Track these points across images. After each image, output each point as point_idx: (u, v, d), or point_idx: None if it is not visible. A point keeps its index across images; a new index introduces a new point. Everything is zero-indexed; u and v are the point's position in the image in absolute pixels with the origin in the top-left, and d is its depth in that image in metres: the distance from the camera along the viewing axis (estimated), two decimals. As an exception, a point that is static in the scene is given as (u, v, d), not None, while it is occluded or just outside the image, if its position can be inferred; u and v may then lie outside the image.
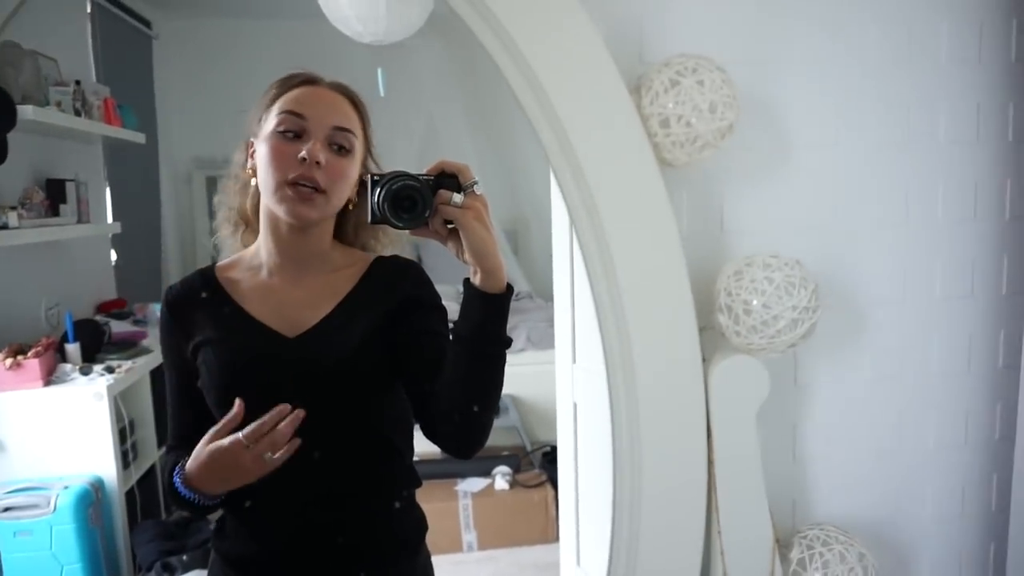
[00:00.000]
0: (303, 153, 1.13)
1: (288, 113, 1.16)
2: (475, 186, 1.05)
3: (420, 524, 1.34)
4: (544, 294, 4.82)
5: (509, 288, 1.07)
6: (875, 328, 1.06)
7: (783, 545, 0.78)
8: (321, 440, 1.17)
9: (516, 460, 3.67)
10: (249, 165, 1.23)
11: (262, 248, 1.25)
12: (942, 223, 1.14)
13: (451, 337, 1.12)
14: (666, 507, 0.73)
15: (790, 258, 0.83)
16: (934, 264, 1.13)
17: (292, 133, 1.15)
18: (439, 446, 1.19)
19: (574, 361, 2.00)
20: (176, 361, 1.25)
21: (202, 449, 1.09)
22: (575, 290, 1.97)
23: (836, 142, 1.08)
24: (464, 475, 3.55)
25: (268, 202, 1.18)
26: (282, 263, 1.23)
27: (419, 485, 1.33)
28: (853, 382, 1.01)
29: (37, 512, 2.66)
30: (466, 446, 1.17)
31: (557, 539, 3.50)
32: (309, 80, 1.23)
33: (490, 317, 1.07)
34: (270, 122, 1.18)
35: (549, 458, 3.61)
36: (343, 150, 1.18)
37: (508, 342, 1.11)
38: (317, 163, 1.13)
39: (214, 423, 1.13)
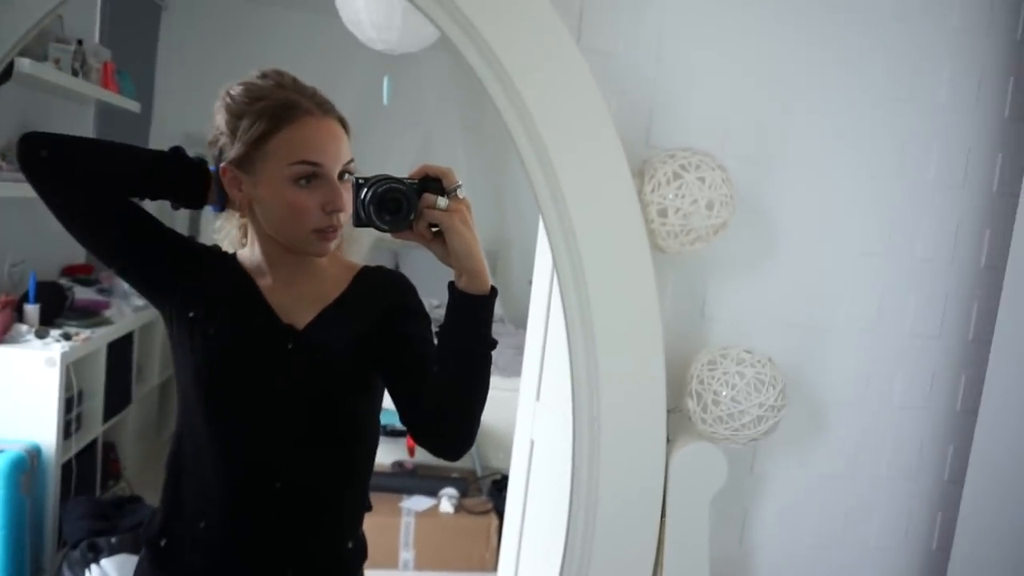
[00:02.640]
0: (331, 206, 1.16)
1: (303, 164, 1.16)
2: (459, 190, 1.06)
3: (362, 554, 1.33)
4: (516, 320, 4.82)
5: (493, 290, 1.09)
6: (834, 426, 1.10)
7: None
8: (288, 455, 1.20)
9: (465, 484, 3.64)
10: (236, 197, 1.21)
11: (258, 253, 1.28)
12: (908, 335, 1.20)
13: (437, 340, 1.14)
14: (614, 574, 0.73)
15: (763, 355, 0.85)
16: (896, 373, 1.18)
17: (306, 179, 1.16)
18: (427, 448, 1.19)
19: (537, 398, 2.00)
20: (158, 243, 1.26)
21: None
22: (548, 329, 1.97)
23: (820, 244, 1.14)
24: (411, 492, 3.51)
25: (284, 242, 1.21)
26: (275, 269, 1.27)
27: (369, 510, 1.33)
28: (806, 476, 1.05)
29: (-33, 473, 2.58)
30: (454, 447, 1.18)
31: (495, 569, 3.48)
32: (306, 111, 1.17)
33: (475, 319, 1.09)
34: (276, 167, 1.16)
35: (498, 486, 3.59)
36: (348, 175, 1.20)
37: (493, 343, 1.12)
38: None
39: None
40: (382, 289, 1.31)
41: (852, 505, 1.09)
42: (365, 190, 1.05)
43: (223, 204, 1.25)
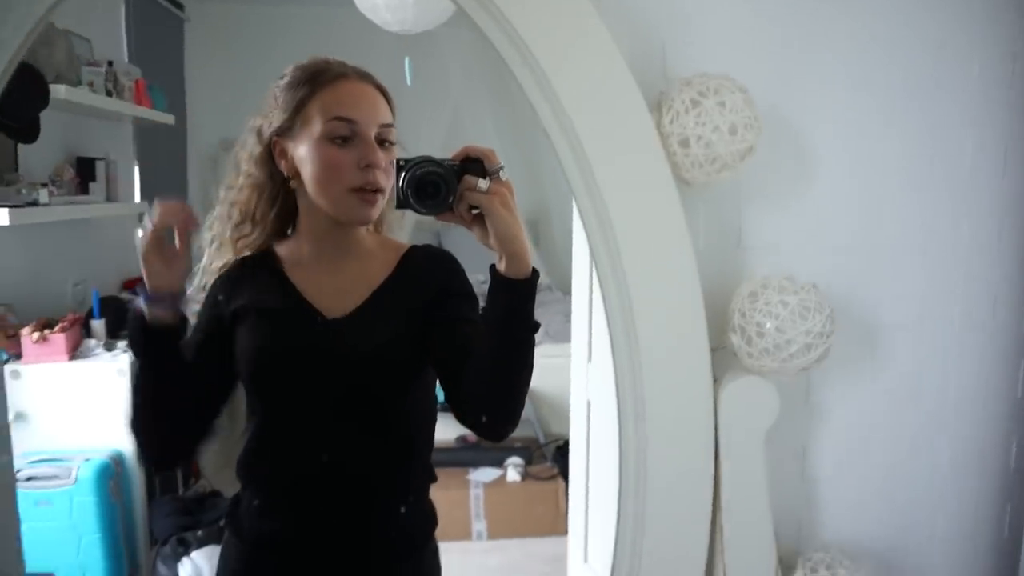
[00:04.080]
0: (365, 160, 1.17)
1: (338, 120, 1.18)
2: (501, 171, 1.05)
3: (429, 519, 1.36)
4: (564, 287, 4.81)
5: (535, 272, 1.07)
6: (891, 352, 1.02)
7: (786, 566, 0.77)
8: (343, 434, 1.22)
9: (529, 452, 3.68)
10: (285, 167, 1.24)
11: (304, 240, 1.28)
12: (964, 251, 1.10)
13: (481, 323, 1.13)
14: (670, 526, 0.72)
15: (806, 282, 0.80)
16: (955, 292, 1.09)
17: (342, 138, 1.17)
18: (472, 430, 1.20)
19: (589, 359, 2.00)
20: (207, 321, 1.28)
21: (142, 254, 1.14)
22: (593, 289, 1.96)
23: (858, 163, 1.04)
24: (476, 465, 3.57)
25: (326, 207, 1.20)
26: (322, 253, 1.27)
27: (434, 481, 1.35)
28: (866, 404, 0.97)
29: (58, 483, 2.73)
30: (499, 429, 1.18)
31: (566, 532, 3.52)
32: (340, 74, 1.23)
33: (517, 302, 1.07)
34: (313, 126, 1.19)
35: (562, 452, 3.62)
36: (388, 144, 1.21)
37: (536, 326, 1.11)
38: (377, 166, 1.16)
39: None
40: (429, 272, 1.29)
41: (918, 431, 1.03)
42: (404, 173, 1.05)
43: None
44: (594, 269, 1.95)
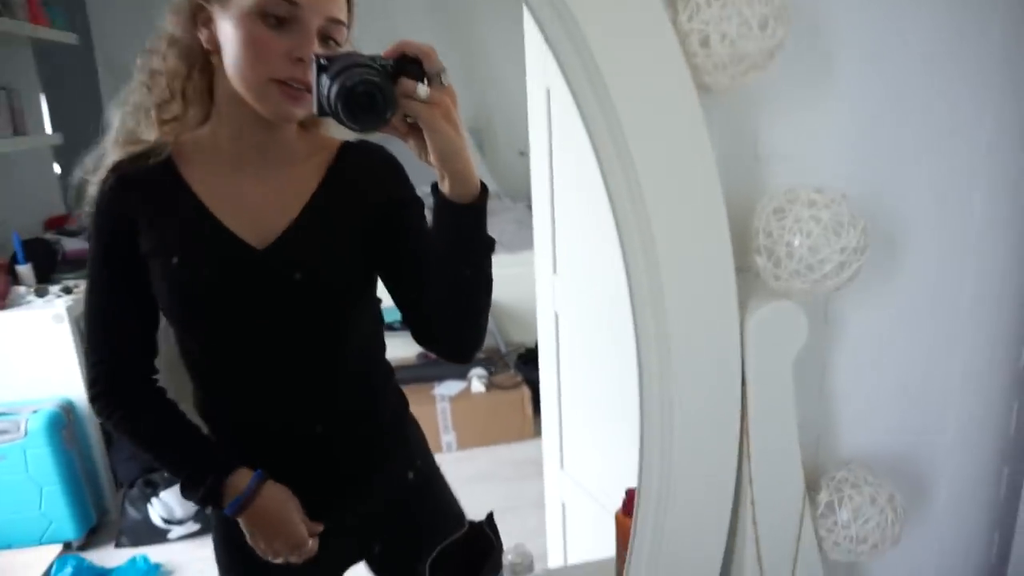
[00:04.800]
0: (298, 52, 0.96)
1: None
2: (443, 75, 0.88)
3: (391, 401, 1.28)
4: (512, 194, 4.73)
5: (484, 190, 0.94)
6: (911, 259, 0.94)
7: (810, 487, 0.76)
8: (292, 359, 1.11)
9: (492, 363, 3.70)
10: (204, 38, 1.02)
11: (220, 135, 1.07)
12: (986, 148, 1.01)
13: (427, 247, 1.01)
14: (697, 457, 0.68)
15: (836, 193, 0.72)
16: (973, 194, 1.00)
17: (277, 19, 0.96)
18: (434, 353, 1.12)
19: (555, 271, 1.96)
20: (121, 261, 1.07)
21: (280, 506, 1.12)
22: (555, 197, 1.90)
23: (881, 55, 0.91)
24: (441, 379, 3.57)
25: (243, 94, 1.00)
26: (244, 154, 1.07)
27: (405, 404, 1.30)
28: (884, 317, 0.92)
29: (8, 437, 2.62)
30: (464, 353, 1.11)
31: (533, 436, 3.60)
32: None
33: (468, 227, 0.96)
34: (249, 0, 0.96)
35: (524, 359, 3.65)
36: (333, 43, 1.00)
37: (490, 245, 1.00)
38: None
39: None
40: (368, 177, 1.12)
41: (935, 341, 0.99)
42: (328, 76, 0.84)
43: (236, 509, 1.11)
44: (554, 177, 1.89)
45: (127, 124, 1.10)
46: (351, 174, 1.13)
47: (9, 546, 2.68)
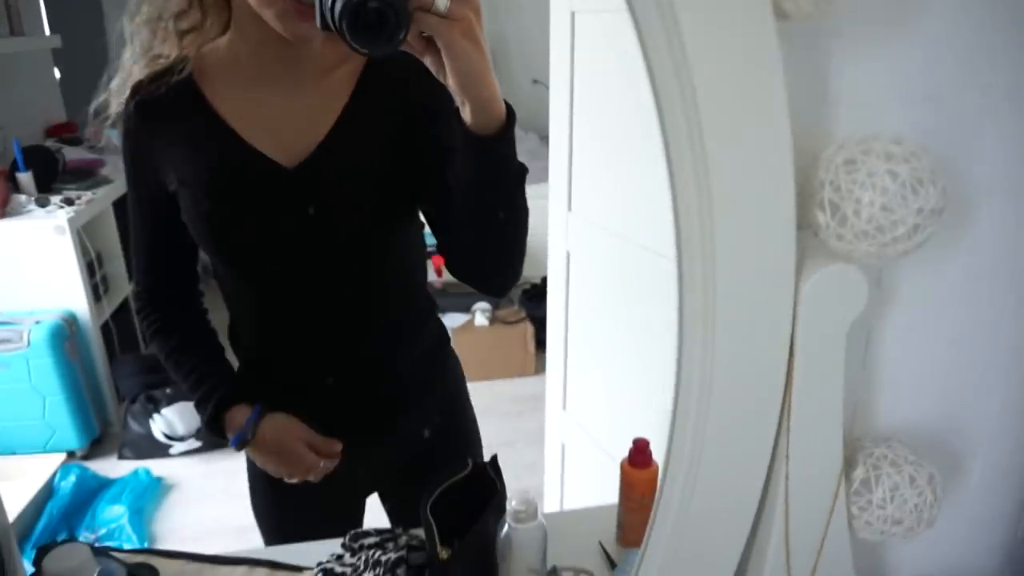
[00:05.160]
0: None
1: None
2: None
3: (439, 337, 1.26)
4: (523, 123, 4.59)
5: (511, 115, 0.84)
6: (975, 227, 0.86)
7: (845, 463, 0.72)
8: (321, 287, 1.07)
9: (495, 297, 3.68)
10: None
11: (241, 48, 0.99)
12: None
13: (452, 180, 0.92)
14: (733, 426, 0.64)
15: (917, 145, 0.64)
16: None
17: None
18: (466, 284, 1.05)
19: (569, 209, 1.91)
20: (148, 192, 1.05)
21: (280, 436, 1.11)
22: (573, 135, 1.83)
23: None
24: (444, 311, 3.55)
25: (255, 8, 0.91)
26: (266, 67, 0.99)
27: (434, 309, 1.25)
28: (941, 284, 0.85)
29: (11, 346, 2.62)
30: (495, 287, 1.04)
31: (534, 373, 3.61)
32: None
33: (492, 159, 0.86)
34: None
35: (528, 295, 3.63)
36: None
37: (521, 174, 0.90)
38: None
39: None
40: (403, 83, 1.01)
41: (988, 314, 0.92)
42: None
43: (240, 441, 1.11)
44: (573, 115, 1.81)
45: (143, 37, 1.02)
46: (383, 82, 1.02)
47: (13, 452, 2.72)
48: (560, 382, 2.09)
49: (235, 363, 1.22)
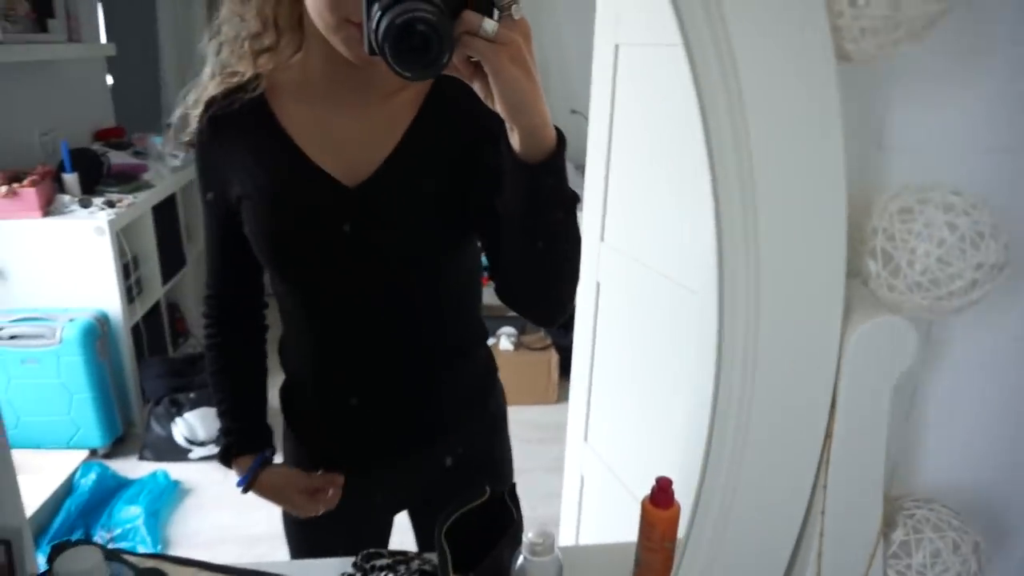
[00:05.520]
0: None
1: None
2: (515, 7, 0.75)
3: (486, 367, 1.26)
4: (560, 152, 4.60)
5: (561, 140, 0.81)
6: None
7: (884, 522, 0.69)
8: (384, 310, 1.07)
9: (521, 322, 3.66)
10: None
11: (312, 68, 1.01)
12: None
13: (500, 206, 0.90)
14: (766, 479, 0.61)
15: (977, 197, 0.61)
16: None
17: None
18: (517, 312, 1.03)
19: (602, 239, 1.89)
20: (216, 202, 1.08)
21: (276, 486, 1.21)
22: (611, 165, 1.82)
23: None
24: (469, 332, 3.55)
25: (325, 34, 0.92)
26: (335, 88, 1.00)
27: (485, 338, 1.24)
28: (996, 343, 0.81)
29: (43, 342, 2.67)
30: (543, 318, 1.03)
31: (556, 402, 3.57)
32: None
33: (540, 187, 0.83)
34: None
35: (555, 322, 3.61)
36: None
37: (573, 201, 0.87)
38: None
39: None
40: (464, 108, 0.97)
41: None
42: (377, 10, 0.71)
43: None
44: (612, 143, 1.81)
45: (221, 56, 1.05)
46: (447, 105, 1.02)
47: (38, 447, 2.75)
48: (583, 413, 2.06)
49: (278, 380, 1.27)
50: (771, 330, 0.60)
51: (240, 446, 1.22)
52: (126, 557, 1.26)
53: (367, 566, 1.33)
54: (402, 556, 1.30)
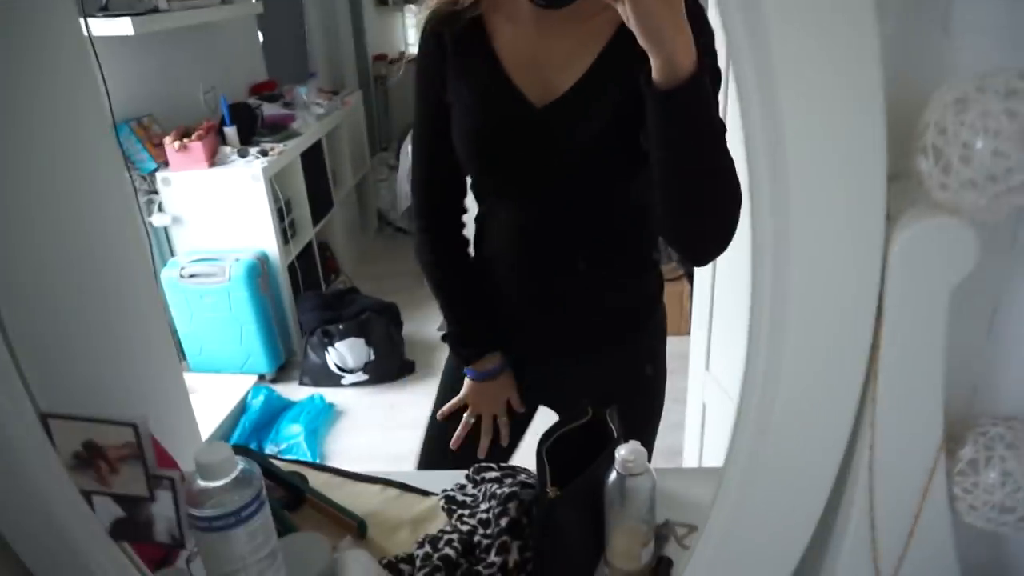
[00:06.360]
0: None
1: None
2: None
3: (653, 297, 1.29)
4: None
5: (698, 69, 0.79)
6: None
7: (953, 440, 0.63)
8: (560, 222, 1.13)
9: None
10: None
11: None
12: None
13: (643, 140, 0.90)
14: (807, 389, 0.58)
15: None
16: None
17: None
18: (674, 249, 1.06)
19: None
20: (430, 106, 1.16)
21: (490, 396, 1.32)
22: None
23: None
24: (601, 266, 3.54)
25: None
26: (540, 10, 1.00)
27: (657, 267, 1.26)
28: None
29: (215, 280, 3.00)
30: (696, 256, 1.06)
31: (688, 333, 3.51)
32: None
33: (674, 116, 0.82)
34: None
35: (689, 254, 3.51)
36: None
37: (719, 132, 0.85)
38: None
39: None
40: None
41: None
42: None
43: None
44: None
45: None
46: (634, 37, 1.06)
47: (218, 371, 3.14)
48: (704, 342, 2.03)
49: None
50: (805, 235, 0.56)
51: (475, 344, 1.31)
52: (273, 461, 1.44)
53: (478, 477, 1.42)
54: (510, 470, 1.38)
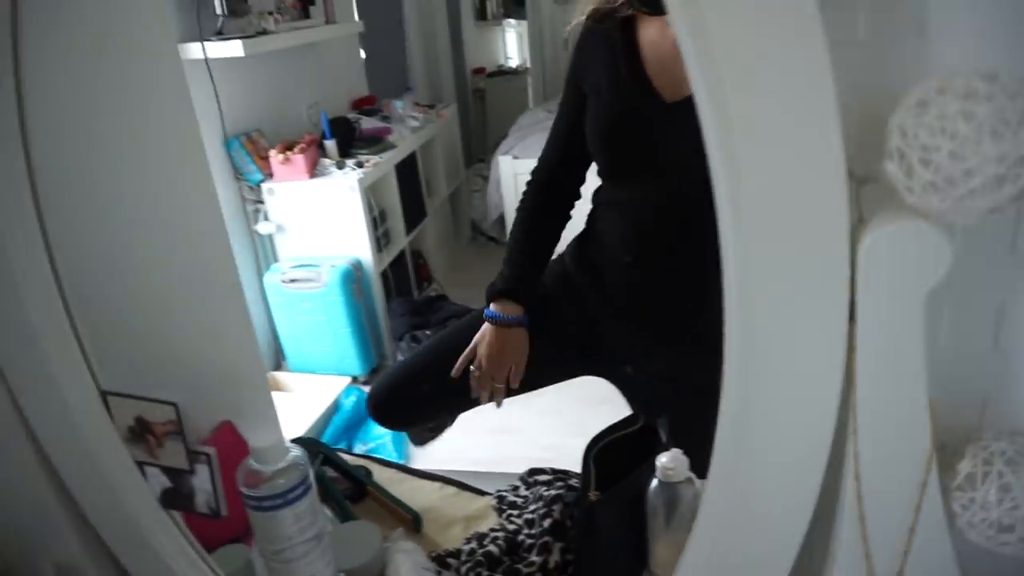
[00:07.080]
0: None
1: None
2: None
3: None
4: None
5: None
6: None
7: (950, 452, 0.60)
8: (669, 220, 1.18)
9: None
10: None
11: None
12: None
13: None
14: (783, 389, 0.57)
15: (1009, 81, 0.50)
16: None
17: None
18: None
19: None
20: (574, 95, 1.26)
21: (508, 345, 1.36)
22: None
23: None
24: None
25: None
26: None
27: None
28: None
29: (313, 285, 3.17)
30: None
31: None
32: None
33: None
34: None
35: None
36: None
37: None
38: None
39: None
40: None
41: None
42: None
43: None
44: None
45: None
46: None
47: (313, 372, 3.31)
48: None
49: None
50: (760, 232, 0.55)
51: (504, 293, 1.36)
52: (340, 455, 1.52)
53: (531, 480, 1.44)
54: (563, 474, 1.39)
